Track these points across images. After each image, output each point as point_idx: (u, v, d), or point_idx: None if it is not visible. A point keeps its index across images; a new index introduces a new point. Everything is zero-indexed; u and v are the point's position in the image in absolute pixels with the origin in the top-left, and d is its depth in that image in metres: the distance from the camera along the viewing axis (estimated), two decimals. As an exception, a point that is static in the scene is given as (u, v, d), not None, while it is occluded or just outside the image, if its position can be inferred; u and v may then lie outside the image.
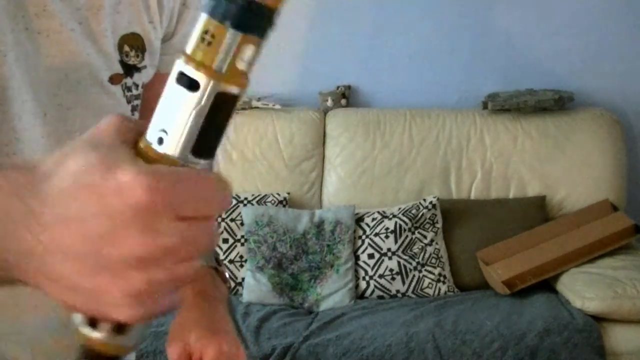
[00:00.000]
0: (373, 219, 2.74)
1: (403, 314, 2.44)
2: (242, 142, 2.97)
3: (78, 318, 0.44)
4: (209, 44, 0.39)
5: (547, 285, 2.60)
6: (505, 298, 2.55)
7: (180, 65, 0.40)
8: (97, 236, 0.39)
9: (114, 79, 0.75)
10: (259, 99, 3.06)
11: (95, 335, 0.44)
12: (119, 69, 0.76)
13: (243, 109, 3.05)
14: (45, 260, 0.41)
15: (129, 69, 0.77)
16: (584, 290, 2.40)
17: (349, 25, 3.14)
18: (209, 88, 0.40)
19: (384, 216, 2.74)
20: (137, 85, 0.78)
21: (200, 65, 0.40)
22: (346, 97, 3.12)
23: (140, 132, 0.43)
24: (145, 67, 0.79)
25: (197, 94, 0.40)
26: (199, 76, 0.40)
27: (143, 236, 0.39)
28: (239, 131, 2.98)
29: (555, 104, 2.92)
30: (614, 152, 2.91)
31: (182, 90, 0.40)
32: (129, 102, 0.77)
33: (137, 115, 0.79)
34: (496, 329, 2.29)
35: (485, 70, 3.11)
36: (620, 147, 2.93)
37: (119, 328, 0.43)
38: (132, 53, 0.77)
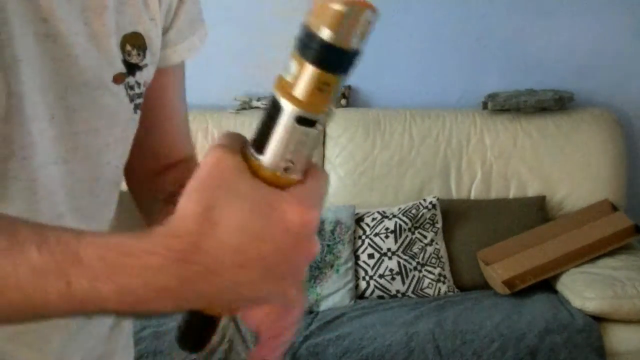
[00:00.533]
0: (373, 219, 2.74)
1: (403, 314, 2.44)
2: (242, 142, 2.96)
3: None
4: (326, 92, 0.48)
5: (547, 285, 2.60)
6: (505, 298, 2.55)
7: (297, 111, 0.48)
8: (277, 266, 0.49)
9: (117, 79, 0.76)
10: (259, 99, 3.06)
11: None
12: (122, 68, 0.76)
13: (243, 109, 3.05)
14: (238, 295, 0.50)
15: (132, 68, 0.77)
16: (584, 290, 2.40)
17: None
18: (323, 123, 0.49)
19: (384, 216, 2.74)
20: (139, 84, 0.79)
21: (319, 110, 0.48)
22: (346, 97, 3.12)
23: (241, 152, 0.50)
24: (146, 65, 0.79)
25: (317, 129, 0.49)
26: (319, 117, 0.48)
27: (311, 242, 0.50)
28: (239, 131, 2.96)
29: (555, 104, 2.92)
30: (614, 152, 2.91)
31: (304, 129, 0.48)
32: (131, 100, 0.78)
33: (138, 112, 0.80)
34: (496, 329, 2.29)
35: (485, 70, 3.11)
36: (620, 147, 2.93)
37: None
38: (134, 52, 0.77)
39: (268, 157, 0.49)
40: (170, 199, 0.73)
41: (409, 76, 3.15)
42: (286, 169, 0.49)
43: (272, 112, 0.49)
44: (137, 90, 0.78)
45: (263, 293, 0.50)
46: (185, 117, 0.89)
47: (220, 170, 0.49)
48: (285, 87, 0.48)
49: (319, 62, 0.48)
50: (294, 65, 0.49)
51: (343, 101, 3.10)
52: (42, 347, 0.77)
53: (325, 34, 0.48)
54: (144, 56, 0.79)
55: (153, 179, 0.81)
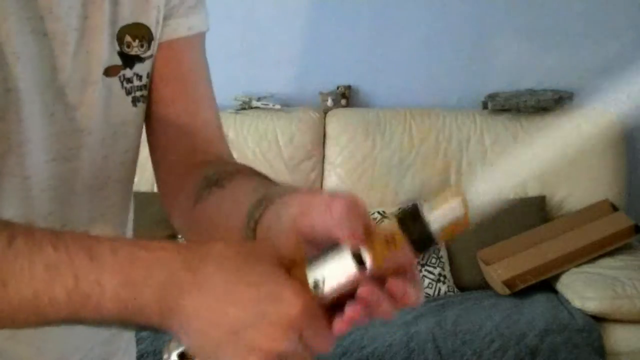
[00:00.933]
0: (373, 219, 2.73)
1: (403, 314, 2.44)
2: (242, 142, 2.97)
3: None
4: (392, 245, 0.55)
5: (547, 285, 2.60)
6: (505, 298, 2.55)
7: (364, 254, 0.55)
8: (251, 323, 0.50)
9: (109, 71, 0.74)
10: (259, 99, 3.06)
11: None
12: (116, 61, 0.75)
13: (243, 109, 3.05)
14: (191, 316, 0.51)
15: (130, 60, 0.76)
16: (584, 290, 2.40)
17: (349, 25, 3.14)
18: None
19: (384, 216, 2.74)
20: (139, 76, 0.77)
21: (379, 257, 0.55)
22: (346, 97, 3.12)
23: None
24: (151, 56, 0.78)
25: (364, 269, 0.54)
26: (370, 259, 0.55)
27: (285, 339, 0.50)
28: (239, 131, 2.98)
29: (555, 104, 2.92)
30: (614, 152, 2.91)
31: (354, 264, 0.54)
32: (129, 93, 0.76)
33: (140, 105, 0.78)
34: (496, 329, 2.29)
35: (485, 70, 3.11)
36: (620, 147, 2.93)
37: None
38: (135, 43, 0.76)
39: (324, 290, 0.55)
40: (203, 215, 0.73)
41: (409, 76, 3.15)
42: (316, 285, 0.54)
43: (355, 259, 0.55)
44: (136, 83, 0.77)
45: (206, 341, 0.52)
46: (216, 111, 0.85)
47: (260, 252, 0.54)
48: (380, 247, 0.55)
49: (417, 246, 0.56)
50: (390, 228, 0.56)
51: (343, 101, 3.10)
52: (40, 346, 0.77)
53: (434, 228, 0.57)
54: (148, 47, 0.77)
55: (187, 173, 0.78)
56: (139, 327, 0.55)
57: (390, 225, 0.56)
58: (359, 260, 0.55)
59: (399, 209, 0.57)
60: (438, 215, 0.57)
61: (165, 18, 0.79)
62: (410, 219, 0.56)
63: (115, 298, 0.52)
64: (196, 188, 0.74)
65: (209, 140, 0.82)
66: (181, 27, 0.80)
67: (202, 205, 0.71)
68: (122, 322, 0.53)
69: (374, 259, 0.55)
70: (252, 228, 0.60)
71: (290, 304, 0.51)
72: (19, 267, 0.52)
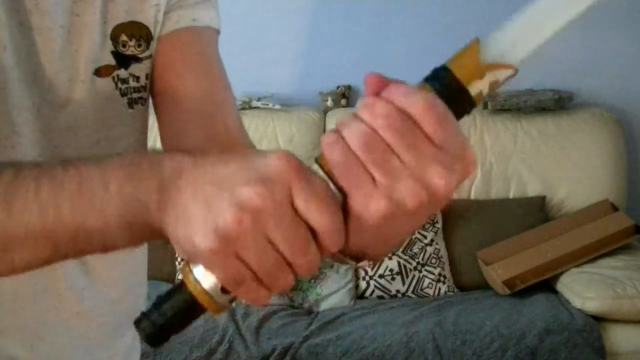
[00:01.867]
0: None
1: (403, 314, 2.44)
2: (242, 142, 2.96)
3: (198, 269, 0.48)
4: None
5: (547, 285, 2.60)
6: (505, 298, 2.55)
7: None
8: (228, 175, 0.46)
9: (101, 72, 0.72)
10: (259, 99, 3.06)
11: (205, 283, 0.48)
12: (109, 60, 0.73)
13: (243, 108, 3.05)
14: (181, 191, 0.48)
15: (125, 60, 0.74)
16: (584, 290, 2.40)
17: (349, 25, 3.14)
18: None
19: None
20: (136, 77, 0.75)
21: None
22: (346, 97, 3.12)
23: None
24: (149, 56, 0.75)
25: None
26: None
27: (263, 186, 0.44)
28: (239, 131, 2.97)
29: (555, 104, 2.92)
30: (614, 152, 2.91)
31: None
32: (123, 94, 0.74)
33: (138, 107, 0.76)
34: (496, 329, 2.29)
35: (485, 70, 3.11)
36: (620, 147, 2.93)
37: (223, 289, 0.48)
38: (132, 43, 0.74)
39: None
40: None
41: (409, 76, 3.13)
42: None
43: None
44: (132, 84, 0.74)
45: (189, 201, 0.47)
46: (233, 97, 0.82)
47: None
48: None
49: (456, 114, 0.48)
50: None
51: (343, 101, 3.10)
52: (34, 344, 0.76)
53: (474, 92, 0.49)
54: (147, 47, 0.75)
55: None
56: (140, 237, 0.52)
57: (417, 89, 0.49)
58: None
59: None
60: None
61: (168, 12, 0.77)
62: (442, 78, 0.49)
63: (118, 194, 0.50)
64: None
65: (228, 130, 0.78)
66: (184, 19, 0.77)
67: None
68: (126, 227, 0.51)
69: None
70: None
71: (278, 161, 0.46)
72: (25, 189, 0.51)
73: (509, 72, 0.49)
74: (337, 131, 0.47)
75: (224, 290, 0.48)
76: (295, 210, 0.45)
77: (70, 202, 0.51)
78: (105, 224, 0.51)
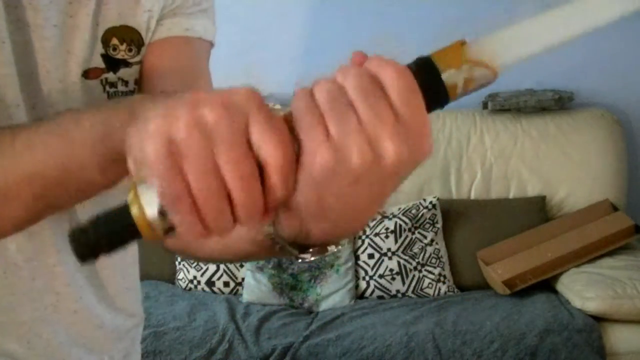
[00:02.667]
0: (373, 219, 2.74)
1: (403, 314, 2.44)
2: (242, 142, 2.97)
3: (142, 187, 0.46)
4: None
5: (547, 285, 2.60)
6: (505, 298, 2.55)
7: None
8: (198, 97, 0.44)
9: (89, 74, 0.72)
10: (259, 99, 3.06)
11: (145, 202, 0.46)
12: (98, 63, 0.73)
13: (243, 109, 3.05)
14: (145, 114, 0.46)
15: (114, 64, 0.74)
16: (584, 290, 2.40)
17: (349, 25, 3.14)
18: None
19: (384, 216, 2.74)
20: (125, 82, 0.75)
21: None
22: (346, 97, 3.12)
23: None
24: (139, 62, 0.75)
25: None
26: None
27: (218, 106, 0.43)
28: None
29: (555, 104, 2.92)
30: (614, 152, 2.91)
31: None
32: (111, 98, 0.74)
33: None
34: (496, 329, 2.29)
35: (485, 70, 3.11)
36: (620, 147, 2.93)
37: (161, 212, 0.46)
38: (123, 47, 0.74)
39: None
40: None
41: (409, 76, 3.15)
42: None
43: None
44: (120, 88, 0.74)
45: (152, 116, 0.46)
46: None
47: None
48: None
49: (428, 102, 0.49)
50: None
51: (343, 101, 3.10)
52: (31, 341, 0.76)
53: (449, 81, 0.49)
54: (138, 52, 0.75)
55: None
56: (112, 165, 0.54)
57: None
58: None
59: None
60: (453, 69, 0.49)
61: (160, 19, 0.77)
62: (419, 62, 0.50)
63: (91, 127, 0.53)
64: None
65: None
66: (177, 27, 0.77)
67: None
68: (99, 156, 0.53)
69: None
70: None
71: (242, 91, 0.46)
72: (1, 141, 0.55)
73: (487, 72, 0.50)
74: (310, 87, 0.48)
75: (162, 214, 0.46)
76: (248, 142, 0.44)
77: (45, 141, 0.54)
78: (79, 156, 0.53)
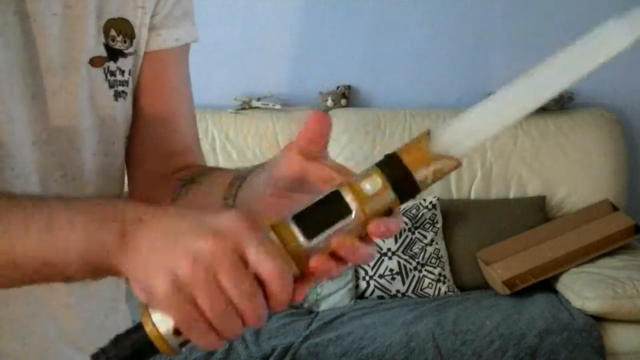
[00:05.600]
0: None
1: (403, 314, 2.44)
2: (242, 142, 2.97)
3: (156, 313, 0.53)
4: (374, 195, 0.54)
5: (547, 285, 2.60)
6: (505, 298, 2.55)
7: (361, 218, 0.53)
8: (182, 228, 0.51)
9: (94, 62, 0.75)
10: (259, 99, 3.06)
11: (161, 326, 0.53)
12: (102, 52, 0.76)
13: (243, 109, 3.05)
14: (141, 241, 0.53)
15: (114, 53, 0.77)
16: (584, 290, 2.40)
17: (349, 25, 3.14)
18: (357, 217, 0.53)
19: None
20: (122, 71, 0.78)
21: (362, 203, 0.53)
22: (346, 97, 3.11)
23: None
24: (132, 53, 0.79)
25: (352, 217, 0.53)
26: (356, 208, 0.53)
27: (214, 240, 0.50)
28: (239, 131, 2.98)
29: (555, 104, 2.92)
30: (614, 152, 2.91)
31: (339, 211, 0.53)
32: (111, 86, 0.77)
33: (121, 101, 0.79)
34: (496, 329, 2.29)
35: (485, 70, 3.11)
36: (620, 147, 2.93)
37: (176, 331, 0.53)
38: (119, 38, 0.77)
39: (314, 242, 0.53)
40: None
41: (409, 76, 3.15)
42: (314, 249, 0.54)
43: (336, 207, 0.53)
44: (118, 77, 0.78)
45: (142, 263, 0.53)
46: (194, 125, 0.87)
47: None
48: (361, 197, 0.53)
49: (401, 197, 0.55)
50: (374, 185, 0.54)
51: (343, 101, 3.10)
52: (25, 337, 0.76)
53: (419, 177, 0.54)
54: (131, 44, 0.78)
55: (162, 183, 0.80)
56: (99, 274, 0.58)
57: (368, 173, 0.54)
58: (345, 208, 0.53)
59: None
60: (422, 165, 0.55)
61: (156, 27, 0.81)
62: (391, 163, 0.54)
63: (82, 235, 0.55)
64: (171, 191, 0.77)
65: (185, 152, 0.84)
66: (170, 39, 0.82)
67: (180, 203, 0.74)
68: (86, 264, 0.56)
69: (360, 204, 0.53)
70: (230, 206, 0.64)
71: (229, 217, 0.51)
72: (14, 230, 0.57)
73: (453, 163, 0.54)
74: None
75: (177, 332, 0.52)
76: (245, 262, 0.50)
77: (38, 237, 0.56)
78: (68, 260, 0.56)
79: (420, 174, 0.54)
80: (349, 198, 0.53)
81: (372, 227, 0.53)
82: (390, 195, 0.54)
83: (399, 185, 0.54)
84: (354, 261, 0.54)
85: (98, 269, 0.57)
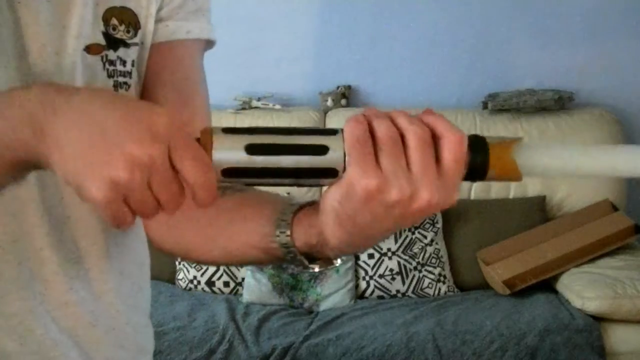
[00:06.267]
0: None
1: (403, 314, 2.44)
2: (242, 142, 2.96)
3: None
4: None
5: (547, 285, 2.60)
6: (505, 298, 2.55)
7: None
8: (115, 124, 0.52)
9: (91, 49, 0.74)
10: (259, 99, 3.06)
11: None
12: (99, 40, 0.75)
13: (243, 109, 3.05)
14: (62, 131, 0.53)
15: (114, 42, 0.76)
16: (584, 290, 2.40)
17: (349, 25, 3.14)
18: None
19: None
20: (123, 62, 0.76)
21: None
22: (346, 97, 3.12)
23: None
24: (136, 44, 0.77)
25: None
26: None
27: (149, 143, 0.51)
28: (239, 131, 2.97)
29: (555, 104, 2.92)
30: (614, 152, 2.91)
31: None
32: (110, 76, 0.76)
33: (121, 92, 0.77)
34: (496, 329, 2.29)
35: (485, 70, 3.11)
36: (620, 147, 2.93)
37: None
38: (122, 27, 0.76)
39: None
40: None
41: (409, 76, 3.15)
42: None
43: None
44: (119, 67, 0.76)
45: (76, 143, 0.53)
46: (208, 113, 0.85)
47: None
48: None
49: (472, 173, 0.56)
50: None
51: (343, 101, 3.10)
52: (23, 336, 0.74)
53: (490, 175, 0.56)
54: (135, 34, 0.77)
55: None
56: (16, 170, 0.58)
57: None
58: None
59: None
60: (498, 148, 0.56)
61: (165, 19, 0.79)
62: (478, 144, 0.55)
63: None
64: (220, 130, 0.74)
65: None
66: (180, 30, 0.80)
67: (222, 203, 0.72)
68: (5, 163, 0.57)
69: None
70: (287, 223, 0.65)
71: (159, 114, 0.52)
72: None
73: (518, 178, 0.56)
74: (365, 116, 0.54)
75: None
76: (172, 165, 0.53)
77: None
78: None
79: (492, 168, 0.56)
80: None
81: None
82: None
83: (471, 163, 0.55)
84: None
85: (14, 164, 0.57)
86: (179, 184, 0.53)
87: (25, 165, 0.57)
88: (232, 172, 0.55)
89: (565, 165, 0.57)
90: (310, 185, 0.57)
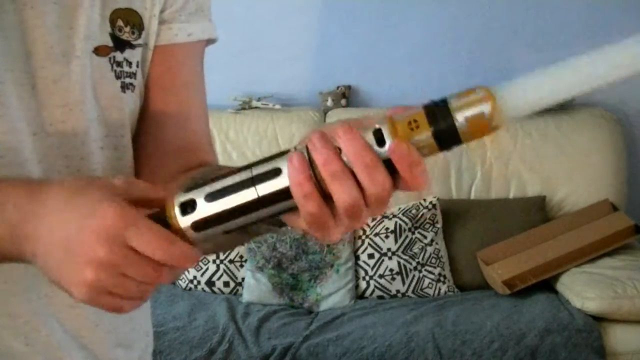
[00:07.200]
0: (373, 219, 2.74)
1: (403, 314, 2.44)
2: (242, 142, 2.97)
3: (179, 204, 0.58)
4: (412, 129, 0.55)
5: (547, 285, 2.60)
6: (505, 298, 2.55)
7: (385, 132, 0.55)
8: (75, 237, 0.57)
9: (99, 50, 0.74)
10: (259, 99, 3.06)
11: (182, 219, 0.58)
12: (107, 41, 0.75)
13: (243, 109, 3.05)
14: (38, 248, 0.59)
15: (121, 44, 0.76)
16: (584, 290, 2.40)
17: (349, 26, 3.14)
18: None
19: (384, 216, 2.74)
20: (129, 63, 0.77)
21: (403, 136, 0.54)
22: (346, 97, 3.12)
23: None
24: (141, 45, 0.78)
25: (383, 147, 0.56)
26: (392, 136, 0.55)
27: (104, 246, 0.55)
28: (239, 131, 2.97)
29: (555, 104, 2.91)
30: (614, 152, 2.91)
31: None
32: (118, 77, 0.76)
33: (129, 93, 0.77)
34: (496, 329, 2.29)
35: (485, 70, 3.11)
36: (620, 147, 2.93)
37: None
38: (127, 29, 0.76)
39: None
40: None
41: (409, 76, 3.15)
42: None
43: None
44: (125, 69, 0.76)
45: (50, 255, 0.59)
46: (207, 123, 0.86)
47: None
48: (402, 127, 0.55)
49: (428, 114, 0.55)
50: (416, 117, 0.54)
51: (343, 101, 3.10)
52: (28, 336, 0.74)
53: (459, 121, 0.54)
54: (139, 35, 0.77)
55: (172, 180, 0.77)
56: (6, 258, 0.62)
57: (415, 112, 0.55)
58: (379, 139, 0.54)
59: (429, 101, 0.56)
60: (464, 105, 0.54)
61: (168, 21, 0.79)
62: (438, 108, 0.55)
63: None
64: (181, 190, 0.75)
65: (196, 149, 0.83)
66: (182, 33, 0.80)
67: None
68: None
69: (398, 136, 0.54)
70: None
71: (103, 215, 0.55)
72: None
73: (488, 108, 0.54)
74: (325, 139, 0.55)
75: None
76: (136, 251, 0.56)
77: None
78: None
79: (465, 134, 0.55)
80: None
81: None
82: (428, 137, 0.56)
83: (440, 133, 0.55)
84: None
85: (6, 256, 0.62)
86: (150, 262, 0.56)
87: (8, 260, 0.63)
88: (200, 225, 0.56)
89: (551, 91, 0.56)
90: (284, 212, 0.57)
